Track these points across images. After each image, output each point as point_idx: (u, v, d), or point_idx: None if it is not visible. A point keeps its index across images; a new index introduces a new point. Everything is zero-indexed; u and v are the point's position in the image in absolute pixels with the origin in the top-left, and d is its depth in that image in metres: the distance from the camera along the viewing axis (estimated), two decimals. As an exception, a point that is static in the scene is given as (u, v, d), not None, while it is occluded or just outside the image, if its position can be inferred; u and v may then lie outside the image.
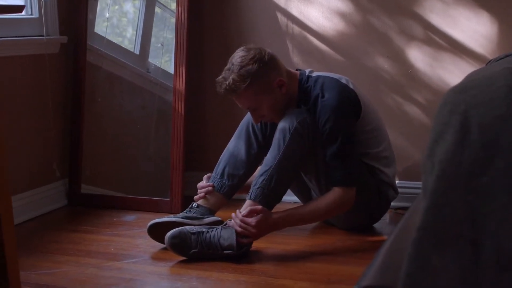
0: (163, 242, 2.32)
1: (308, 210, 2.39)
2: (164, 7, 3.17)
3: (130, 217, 2.86)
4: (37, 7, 2.86)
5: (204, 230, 2.28)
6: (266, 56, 2.38)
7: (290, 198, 2.75)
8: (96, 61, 3.10)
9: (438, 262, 0.96)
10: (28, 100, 2.84)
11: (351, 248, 2.41)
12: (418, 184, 2.80)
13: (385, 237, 2.55)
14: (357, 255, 2.32)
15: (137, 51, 3.18)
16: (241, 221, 2.26)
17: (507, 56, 1.96)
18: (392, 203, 2.62)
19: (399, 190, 2.62)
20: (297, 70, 2.52)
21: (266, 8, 3.00)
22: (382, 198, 2.52)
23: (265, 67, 2.36)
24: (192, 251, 2.26)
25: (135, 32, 3.19)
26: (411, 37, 2.82)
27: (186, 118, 2.92)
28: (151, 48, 3.17)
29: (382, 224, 2.66)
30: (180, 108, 2.90)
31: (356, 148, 2.43)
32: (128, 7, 3.24)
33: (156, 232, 2.40)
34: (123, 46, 3.23)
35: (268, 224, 2.30)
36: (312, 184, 2.49)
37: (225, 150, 2.59)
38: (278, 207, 2.41)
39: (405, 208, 2.78)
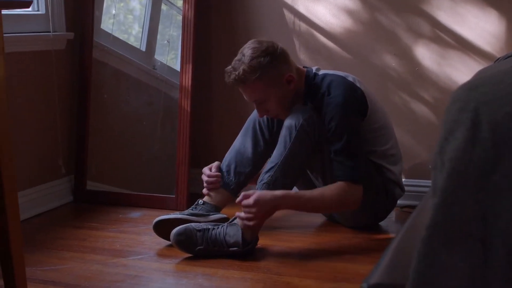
0: (168, 239, 2.32)
1: (310, 195, 2.34)
2: (171, 4, 3.17)
3: (136, 213, 2.85)
4: (44, 3, 2.86)
5: (210, 227, 2.28)
6: (278, 50, 2.37)
7: (296, 195, 2.74)
8: (102, 58, 3.10)
9: (447, 260, 0.96)
10: (34, 97, 2.84)
11: (357, 246, 2.40)
12: (425, 182, 2.80)
13: (391, 235, 2.54)
14: (363, 253, 2.31)
15: (143, 48, 3.17)
16: (243, 206, 2.24)
17: (515, 54, 1.95)
18: (398, 201, 2.61)
19: (406, 188, 2.61)
20: (304, 67, 2.51)
21: (273, 5, 2.99)
22: (388, 196, 2.51)
23: (276, 60, 2.36)
24: (198, 248, 2.25)
25: (141, 29, 3.18)
26: (418, 35, 2.81)
27: (192, 115, 2.91)
28: (157, 45, 3.17)
29: (388, 222, 2.65)
30: (186, 105, 2.89)
31: (363, 146, 2.42)
32: (135, 3, 3.24)
33: (162, 229, 2.39)
34: (129, 43, 3.22)
35: (266, 198, 2.25)
36: (318, 182, 2.48)
37: (231, 147, 2.59)
38: (284, 205, 2.40)
39: (411, 206, 2.77)
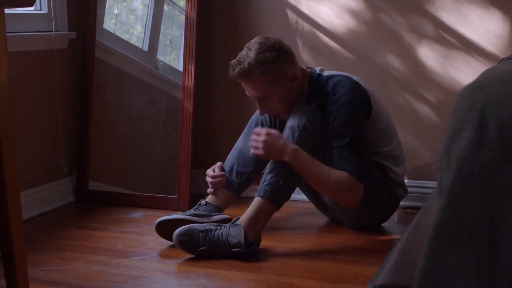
0: (171, 240, 2.31)
1: (318, 165, 2.29)
2: (173, 3, 3.16)
3: (138, 214, 2.85)
4: (46, 3, 2.86)
5: (212, 227, 2.27)
6: (284, 47, 2.38)
7: (299, 196, 2.74)
8: (105, 58, 3.09)
9: (454, 260, 0.95)
10: (36, 96, 2.84)
11: (360, 247, 2.39)
12: (428, 183, 2.79)
13: (394, 236, 2.53)
14: (366, 254, 2.30)
15: (145, 48, 3.17)
16: (255, 133, 2.29)
17: (520, 54, 1.94)
18: (401, 202, 2.60)
19: (408, 189, 2.61)
20: (307, 68, 2.51)
21: (276, 5, 2.99)
22: (391, 196, 2.50)
23: (283, 57, 2.36)
24: (200, 249, 2.25)
25: (143, 29, 3.18)
26: (422, 35, 2.80)
27: (195, 115, 2.91)
28: (160, 45, 3.16)
29: (391, 223, 2.64)
30: (189, 105, 2.89)
31: (366, 147, 2.41)
32: (137, 3, 3.24)
33: (164, 229, 2.39)
34: (131, 42, 3.22)
35: (279, 137, 2.27)
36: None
37: (234, 148, 2.58)
38: (287, 205, 2.39)
39: (414, 208, 2.76)
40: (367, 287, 1.05)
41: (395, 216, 2.68)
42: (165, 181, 3.03)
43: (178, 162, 2.90)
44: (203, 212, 2.44)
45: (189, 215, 2.41)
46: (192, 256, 2.27)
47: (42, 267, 2.18)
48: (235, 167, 2.53)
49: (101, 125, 3.09)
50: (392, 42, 2.85)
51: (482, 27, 2.71)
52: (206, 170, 2.57)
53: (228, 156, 2.57)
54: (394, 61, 2.85)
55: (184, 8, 2.94)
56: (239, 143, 2.58)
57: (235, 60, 2.36)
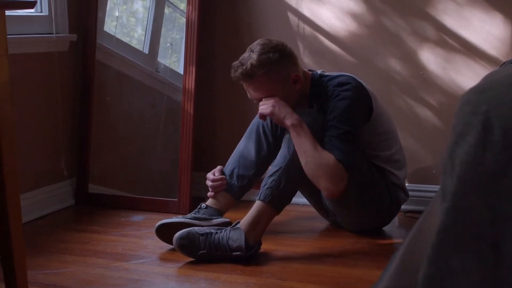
0: (171, 243, 2.30)
1: (313, 142, 2.27)
2: (174, 6, 3.16)
3: (138, 217, 2.84)
4: (47, 5, 2.85)
5: (212, 231, 2.26)
6: (287, 49, 2.39)
7: (300, 200, 2.73)
8: (105, 60, 3.08)
9: (458, 264, 0.94)
10: (36, 99, 2.83)
11: (361, 251, 2.38)
12: (429, 187, 2.79)
13: (395, 240, 2.53)
14: (367, 258, 2.30)
15: (146, 51, 3.16)
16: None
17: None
18: (402, 206, 2.59)
19: (409, 193, 2.60)
20: (309, 70, 2.50)
21: (278, 8, 2.98)
22: (392, 200, 2.49)
23: (285, 59, 2.36)
24: (201, 252, 2.24)
25: (143, 32, 3.18)
26: (423, 39, 2.80)
27: (195, 118, 2.90)
28: (160, 48, 3.16)
29: (392, 227, 2.64)
30: (190, 107, 2.88)
31: (365, 150, 2.41)
32: (138, 6, 3.23)
33: (164, 232, 2.38)
34: (132, 45, 3.21)
35: (286, 106, 2.32)
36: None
37: (234, 151, 2.58)
38: (288, 209, 2.39)
39: (415, 211, 2.76)
40: (370, 291, 1.04)
41: (396, 220, 2.67)
42: (165, 184, 3.03)
43: (179, 165, 2.89)
44: (203, 216, 2.43)
45: (190, 219, 2.40)
46: (192, 259, 2.26)
47: (41, 270, 2.18)
48: (235, 170, 2.52)
49: (101, 128, 3.08)
50: (394, 45, 2.84)
51: (484, 31, 2.71)
52: (206, 173, 2.57)
53: (229, 160, 2.57)
54: (395, 65, 2.85)
55: (185, 11, 2.94)
56: (240, 146, 2.57)
57: (237, 61, 2.36)
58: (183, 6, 3.02)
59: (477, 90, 1.04)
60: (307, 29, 2.94)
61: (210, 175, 2.54)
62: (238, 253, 2.23)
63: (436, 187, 2.76)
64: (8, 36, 1.72)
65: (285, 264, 2.25)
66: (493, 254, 0.94)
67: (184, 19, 2.95)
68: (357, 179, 2.34)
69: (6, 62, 1.69)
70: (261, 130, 2.54)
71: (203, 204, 2.49)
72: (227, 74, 2.40)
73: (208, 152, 3.16)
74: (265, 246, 2.34)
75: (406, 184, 2.63)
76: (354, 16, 2.87)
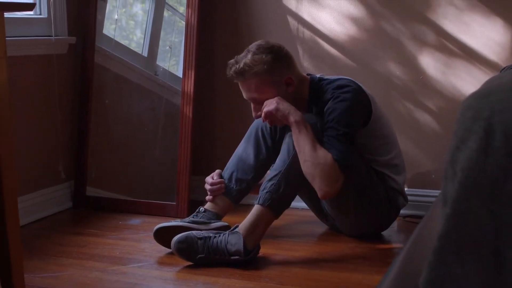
0: (169, 247, 2.30)
1: (313, 140, 2.26)
2: (173, 10, 3.15)
3: (136, 220, 2.83)
4: (46, 7, 2.85)
5: (211, 235, 2.26)
6: (283, 51, 2.39)
7: (299, 204, 2.72)
8: (104, 63, 3.08)
9: (459, 270, 0.94)
10: (35, 101, 2.82)
11: (360, 256, 2.38)
12: (428, 192, 2.78)
13: (394, 245, 2.52)
14: (366, 263, 2.29)
15: (145, 54, 3.16)
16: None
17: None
18: (401, 211, 2.59)
19: (409, 197, 2.59)
20: (308, 75, 2.50)
21: (277, 12, 2.98)
22: (391, 204, 2.49)
23: (280, 61, 2.36)
24: (199, 256, 2.23)
25: (143, 35, 3.17)
26: (423, 43, 2.79)
27: (194, 121, 2.89)
28: (159, 51, 3.15)
29: (391, 232, 2.63)
30: (189, 111, 2.88)
31: (364, 154, 2.40)
32: (137, 9, 3.23)
33: (162, 236, 2.37)
34: (131, 48, 3.21)
35: (289, 105, 2.32)
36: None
37: (233, 155, 2.57)
38: (287, 213, 2.38)
39: (414, 216, 2.75)
40: (371, 297, 1.04)
41: (395, 224, 2.67)
42: (164, 188, 3.02)
43: (177, 169, 2.89)
44: (201, 219, 2.43)
45: (188, 222, 2.39)
46: (191, 263, 2.25)
47: (39, 274, 2.17)
48: (234, 174, 2.52)
49: (99, 131, 3.08)
50: (393, 50, 2.84)
51: (484, 36, 2.71)
52: (205, 177, 2.56)
53: (228, 163, 2.56)
54: (395, 69, 2.85)
55: (184, 14, 2.93)
56: (239, 150, 2.56)
57: (233, 59, 2.39)
58: (182, 9, 3.02)
59: (479, 95, 1.03)
60: (307, 33, 2.94)
61: (208, 179, 2.53)
62: (237, 257, 2.22)
63: (435, 192, 2.75)
64: (7, 38, 1.71)
65: (284, 268, 2.24)
66: (494, 260, 0.93)
67: (184, 23, 2.94)
68: (355, 182, 2.34)
69: (5, 64, 1.69)
70: (260, 134, 2.53)
71: (201, 208, 2.48)
72: (226, 78, 2.41)
73: (206, 155, 3.16)
74: (264, 250, 2.34)
75: (405, 189, 2.62)
76: (354, 20, 2.87)
